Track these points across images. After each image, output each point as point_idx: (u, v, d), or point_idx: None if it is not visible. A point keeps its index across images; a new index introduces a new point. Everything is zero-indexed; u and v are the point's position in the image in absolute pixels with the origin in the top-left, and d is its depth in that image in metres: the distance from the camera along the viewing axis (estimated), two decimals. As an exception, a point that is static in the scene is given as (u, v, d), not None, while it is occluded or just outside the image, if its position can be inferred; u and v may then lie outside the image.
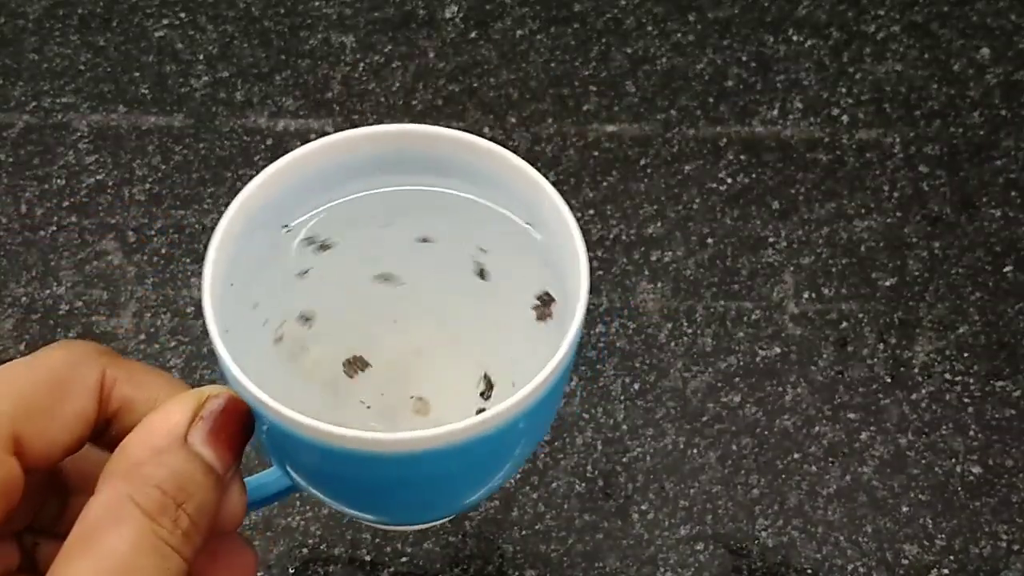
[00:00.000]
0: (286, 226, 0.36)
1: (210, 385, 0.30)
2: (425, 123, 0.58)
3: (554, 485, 0.47)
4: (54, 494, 0.31)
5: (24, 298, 0.52)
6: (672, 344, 0.50)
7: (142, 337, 0.51)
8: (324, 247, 0.36)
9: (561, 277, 0.35)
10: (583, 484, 0.47)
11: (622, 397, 0.49)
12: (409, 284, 0.38)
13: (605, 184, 0.55)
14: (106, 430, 0.30)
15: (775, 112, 0.57)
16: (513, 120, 0.57)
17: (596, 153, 0.56)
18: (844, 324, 0.51)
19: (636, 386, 0.50)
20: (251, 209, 0.34)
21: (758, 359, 0.50)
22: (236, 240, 0.34)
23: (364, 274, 0.38)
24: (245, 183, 0.57)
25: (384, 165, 0.35)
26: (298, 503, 0.47)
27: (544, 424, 0.36)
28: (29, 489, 0.28)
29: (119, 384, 0.30)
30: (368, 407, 0.38)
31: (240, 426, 0.29)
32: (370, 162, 0.35)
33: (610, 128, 0.57)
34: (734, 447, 0.48)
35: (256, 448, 0.32)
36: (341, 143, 0.35)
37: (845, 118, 0.57)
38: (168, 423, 0.28)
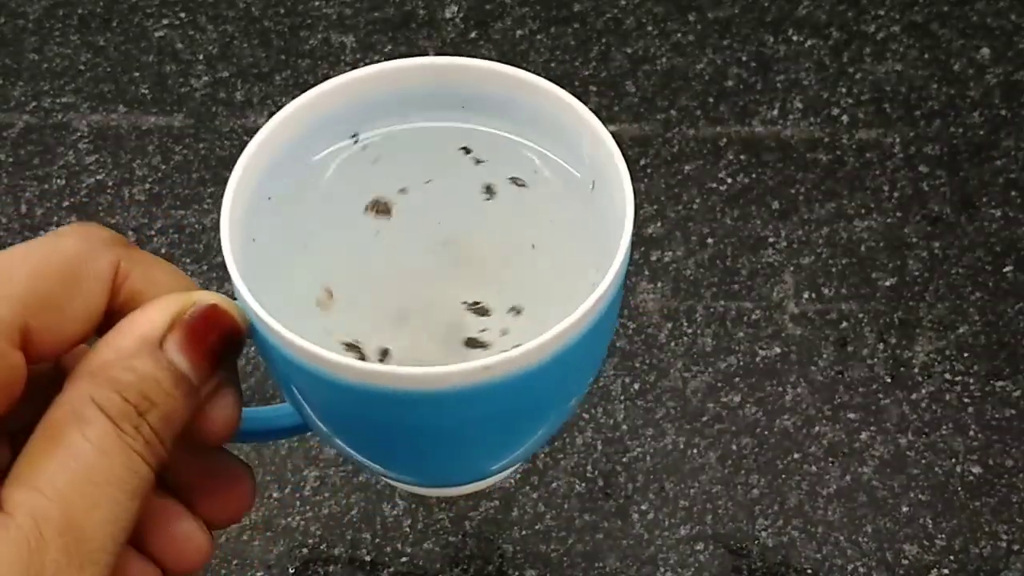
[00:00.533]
0: (355, 135, 0.34)
1: (204, 291, 0.28)
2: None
3: (554, 485, 0.47)
4: (52, 389, 0.28)
5: (24, 298, 0.52)
6: (672, 344, 0.51)
7: (142, 337, 0.51)
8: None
9: (603, 217, 0.32)
10: (583, 484, 0.47)
11: (622, 397, 0.49)
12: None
13: (605, 184, 0.55)
14: (111, 323, 0.28)
15: (775, 112, 0.57)
16: (513, 120, 0.57)
17: (596, 153, 0.56)
18: (844, 324, 0.51)
19: (636, 386, 0.50)
20: (306, 118, 0.33)
21: (758, 359, 0.50)
22: (278, 151, 0.32)
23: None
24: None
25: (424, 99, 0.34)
26: (298, 503, 0.47)
27: (592, 365, 0.33)
28: (29, 384, 0.27)
29: (131, 277, 0.28)
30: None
31: (222, 334, 0.27)
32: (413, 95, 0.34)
33: (610, 128, 0.56)
34: (734, 447, 0.48)
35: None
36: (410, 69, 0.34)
37: (845, 118, 0.57)
38: (144, 326, 0.26)
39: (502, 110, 0.34)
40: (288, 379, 0.30)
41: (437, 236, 0.35)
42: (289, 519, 0.46)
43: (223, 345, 0.28)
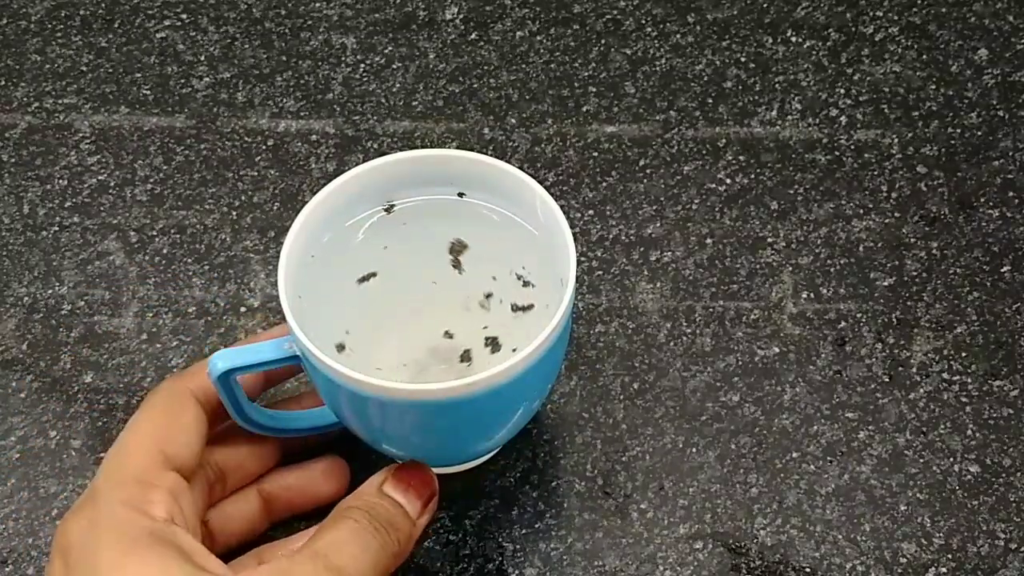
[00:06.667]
0: (391, 203, 0.45)
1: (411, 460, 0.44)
2: (426, 125, 0.59)
3: (554, 484, 0.48)
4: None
5: (27, 298, 0.52)
6: (671, 344, 0.51)
7: (144, 337, 0.51)
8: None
9: (553, 261, 0.43)
10: (583, 483, 0.48)
11: (621, 396, 0.49)
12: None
13: (605, 184, 0.55)
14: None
15: (774, 113, 0.57)
16: (513, 121, 0.57)
17: (596, 153, 0.56)
18: (842, 324, 0.51)
19: (635, 385, 0.50)
20: (338, 198, 0.44)
21: (757, 359, 0.50)
22: (319, 222, 0.43)
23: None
24: (247, 184, 0.57)
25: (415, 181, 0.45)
26: (299, 502, 0.47)
27: (547, 379, 0.44)
28: None
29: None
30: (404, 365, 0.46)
31: (420, 475, 0.43)
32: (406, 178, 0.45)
33: (610, 129, 0.57)
34: (733, 446, 0.48)
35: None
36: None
37: (843, 119, 0.57)
38: (375, 480, 0.43)
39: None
40: (329, 391, 0.42)
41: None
42: (290, 518, 0.47)
43: (424, 483, 0.43)
